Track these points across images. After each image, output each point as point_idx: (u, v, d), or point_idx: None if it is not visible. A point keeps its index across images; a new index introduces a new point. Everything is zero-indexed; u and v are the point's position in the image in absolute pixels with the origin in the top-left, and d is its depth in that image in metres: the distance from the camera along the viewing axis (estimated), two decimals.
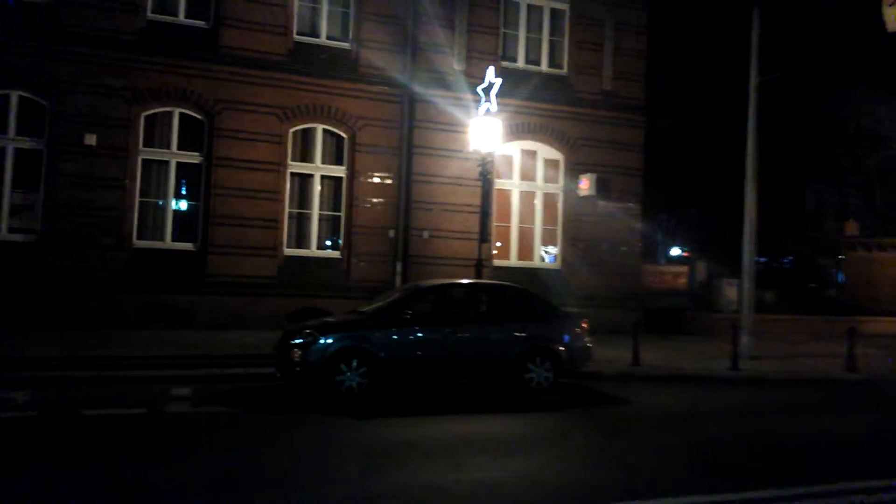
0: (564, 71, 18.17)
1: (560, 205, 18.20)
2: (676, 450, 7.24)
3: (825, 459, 6.97)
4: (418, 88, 16.29)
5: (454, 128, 16.17)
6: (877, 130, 27.02)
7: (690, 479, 5.96)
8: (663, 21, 22.13)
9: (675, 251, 35.77)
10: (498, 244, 17.85)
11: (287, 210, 15.67)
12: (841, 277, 27.73)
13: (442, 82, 16.50)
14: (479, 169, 13.38)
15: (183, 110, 15.03)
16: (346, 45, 16.12)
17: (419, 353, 9.38)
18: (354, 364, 8.94)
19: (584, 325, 10.36)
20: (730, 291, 19.28)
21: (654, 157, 23.18)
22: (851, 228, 27.74)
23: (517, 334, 9.80)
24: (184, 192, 15.36)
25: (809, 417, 9.42)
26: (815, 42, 19.24)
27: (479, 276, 13.16)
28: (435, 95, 16.40)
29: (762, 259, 29.35)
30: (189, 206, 15.30)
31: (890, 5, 12.22)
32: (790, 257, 31.65)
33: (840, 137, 28.99)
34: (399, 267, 15.85)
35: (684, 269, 23.17)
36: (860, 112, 26.75)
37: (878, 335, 19.44)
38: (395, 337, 9.27)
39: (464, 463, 6.36)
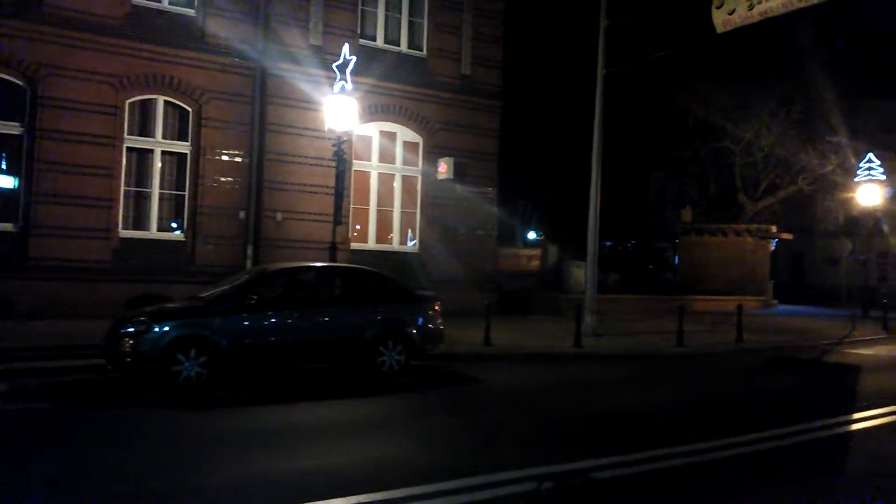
0: (424, 53, 18.13)
1: (419, 188, 18.22)
2: (520, 425, 7.43)
3: (653, 426, 7.42)
4: (271, 62, 15.59)
5: (310, 105, 15.65)
6: (711, 123, 29.35)
7: (530, 452, 6.09)
8: (520, 9, 22.67)
9: (532, 235, 37.16)
10: (357, 227, 17.59)
11: (123, 188, 14.47)
12: (676, 260, 30.01)
13: (297, 57, 15.89)
14: (335, 149, 13.01)
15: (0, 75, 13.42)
16: (190, 11, 15.04)
17: (265, 339, 8.98)
18: (193, 353, 8.40)
19: (437, 308, 10.39)
20: (578, 273, 20.23)
21: (514, 143, 23.84)
22: (687, 215, 30.07)
23: (369, 318, 9.65)
24: (3, 166, 13.75)
25: (640, 389, 10.03)
26: (659, 36, 20.45)
27: (333, 259, 12.83)
28: (290, 70, 15.77)
29: (607, 243, 31.16)
30: (8, 181, 13.71)
31: (718, 7, 13.20)
32: (633, 241, 33.81)
33: (680, 129, 31.21)
34: (250, 250, 15.16)
35: (538, 252, 24.05)
36: (697, 105, 28.89)
37: (706, 312, 21.31)
38: (238, 323, 8.80)
39: (304, 450, 6.13)
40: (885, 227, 31.95)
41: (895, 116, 30.76)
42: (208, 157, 15.10)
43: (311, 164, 16.02)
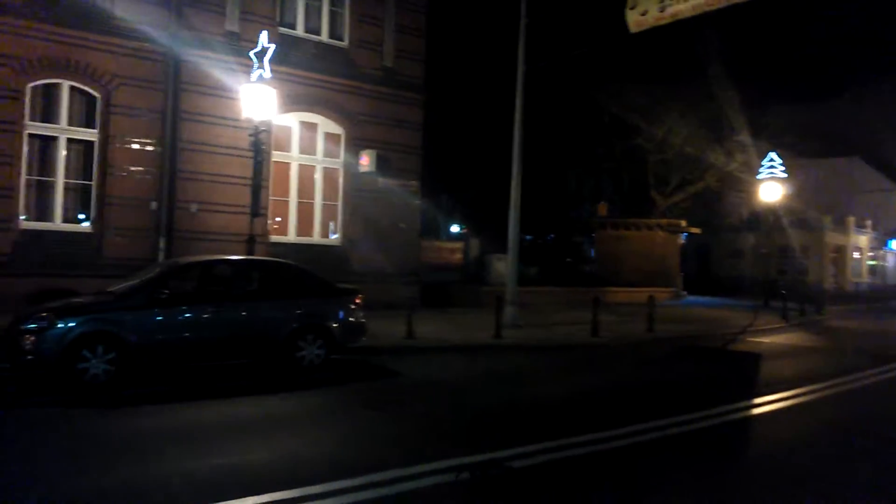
0: (345, 43, 17.90)
1: (341, 180, 18.01)
2: (441, 417, 7.51)
3: (570, 414, 7.65)
4: (185, 48, 15.01)
5: (227, 94, 15.17)
6: (626, 121, 30.40)
7: (450, 444, 6.16)
8: (443, 2, 22.71)
9: (455, 229, 37.43)
10: (277, 219, 17.23)
11: (24, 177, 13.63)
12: (593, 253, 30.96)
13: (213, 43, 15.38)
14: (253, 139, 12.68)
15: None
16: None
17: (178, 335, 8.69)
18: (100, 350, 8.06)
19: (359, 301, 10.33)
20: (499, 266, 20.58)
21: (437, 137, 23.90)
22: (603, 209, 31.07)
23: (288, 312, 9.50)
24: None
25: (558, 379, 10.33)
26: (578, 35, 20.97)
27: (251, 252, 12.53)
28: (205, 57, 15.24)
29: (528, 237, 31.84)
30: None
31: (631, 8, 13.64)
32: (552, 235, 34.64)
33: (597, 127, 32.18)
34: (163, 243, 14.56)
35: (460, 245, 24.27)
36: (613, 104, 29.87)
37: (621, 303, 22.09)
38: (149, 319, 8.48)
39: (218, 448, 5.98)
40: (785, 222, 34.03)
41: (795, 119, 32.69)
42: (118, 145, 14.41)
43: (227, 154, 15.56)
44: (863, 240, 46.21)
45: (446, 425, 7.21)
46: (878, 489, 5.63)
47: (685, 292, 30.38)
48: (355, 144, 17.85)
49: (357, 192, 17.90)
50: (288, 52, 16.10)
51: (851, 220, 44.14)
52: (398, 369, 10.17)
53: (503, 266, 18.20)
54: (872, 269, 48.79)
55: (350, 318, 10.12)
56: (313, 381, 9.09)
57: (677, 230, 30.24)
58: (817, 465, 6.21)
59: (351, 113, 17.79)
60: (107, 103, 14.35)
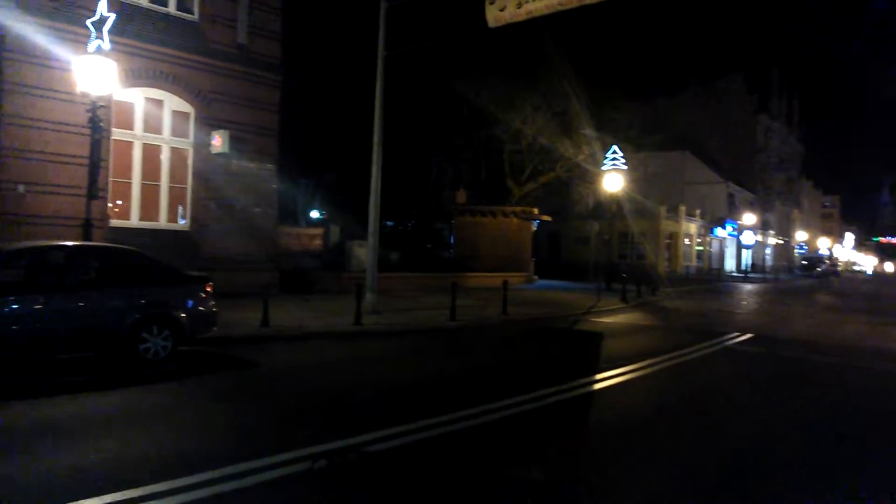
0: (195, 17, 16.94)
1: (190, 161, 17.09)
2: (297, 406, 7.38)
3: (427, 397, 7.82)
4: (11, 13, 13.50)
5: (60, 65, 13.89)
6: (484, 112, 31.26)
7: (306, 432, 6.08)
8: None
9: (315, 214, 36.74)
10: (118, 202, 16.05)
11: None
12: (453, 239, 31.64)
13: (44, 10, 13.99)
14: (90, 115, 11.67)
15: None
16: None
17: (5, 328, 7.86)
18: None
19: (209, 289, 9.88)
20: (360, 252, 20.49)
21: (296, 120, 23.28)
22: (461, 197, 31.77)
23: (130, 301, 8.88)
24: None
25: (416, 362, 10.51)
26: (439, 24, 21.21)
27: (88, 237, 11.57)
28: (35, 24, 13.84)
29: (389, 223, 31.95)
30: None
31: (491, 3, 14.01)
32: (413, 221, 34.99)
33: (456, 116, 32.83)
34: None
35: (320, 231, 23.89)
36: (472, 94, 30.58)
37: (478, 288, 22.81)
38: None
39: (53, 449, 5.50)
40: (626, 211, 36.63)
41: (635, 114, 35.15)
42: None
43: (60, 131, 14.26)
44: (692, 227, 50.78)
45: (304, 414, 7.11)
46: (704, 449, 6.26)
47: (537, 277, 31.89)
48: (206, 124, 16.99)
49: (208, 174, 17.06)
50: (131, 23, 15.01)
51: (683, 209, 48.36)
52: (254, 359, 9.86)
53: (364, 252, 18.14)
54: (700, 254, 53.81)
55: (200, 308, 9.65)
56: (160, 374, 8.59)
57: (530, 217, 31.62)
58: (654, 435, 6.79)
59: (201, 91, 16.89)
60: None
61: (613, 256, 38.49)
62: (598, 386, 8.82)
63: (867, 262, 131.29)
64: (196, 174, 17.03)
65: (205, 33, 16.97)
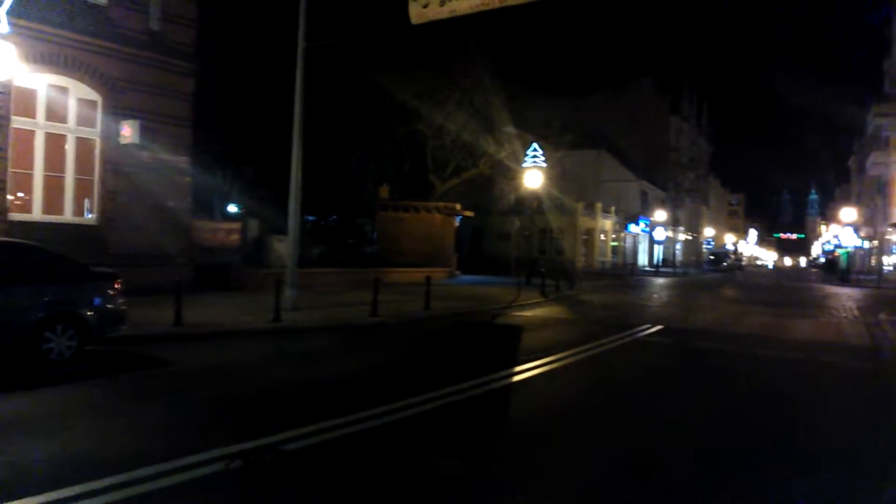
0: (104, 1, 16.11)
1: (98, 153, 16.29)
2: (212, 405, 7.20)
3: (346, 393, 7.77)
4: None
5: None
6: (407, 106, 31.22)
7: (222, 432, 5.94)
8: None
9: (233, 208, 35.73)
10: (18, 195, 15.13)
11: None
12: (375, 235, 31.53)
13: None
14: None
15: None
16: None
17: None
18: None
19: (118, 286, 9.47)
20: (280, 247, 20.09)
21: (213, 110, 22.55)
22: (384, 192, 31.70)
23: (31, 299, 8.42)
24: None
25: (336, 358, 10.43)
26: (362, 17, 21.03)
27: None
28: None
29: (311, 217, 31.50)
30: None
31: (414, 0, 13.99)
32: (335, 216, 34.61)
33: (379, 110, 32.65)
34: None
35: (238, 225, 23.26)
36: (395, 88, 30.48)
37: (400, 283, 22.80)
38: None
39: None
40: (546, 207, 37.48)
41: (553, 113, 36.00)
42: None
43: None
44: (608, 223, 52.50)
45: (219, 413, 6.94)
46: (617, 437, 6.51)
47: (460, 272, 32.20)
48: (115, 113, 16.23)
49: (118, 165, 16.32)
50: (34, 5, 14.14)
51: (599, 205, 49.91)
52: (166, 358, 9.52)
53: (284, 247, 17.79)
54: (615, 250, 55.71)
55: (108, 305, 9.25)
56: (65, 375, 8.19)
57: (453, 213, 31.88)
58: (571, 426, 7.01)
59: (110, 78, 16.11)
60: None
61: (534, 252, 39.33)
62: (517, 378, 9.01)
63: (769, 257, 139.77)
64: (104, 166, 16.25)
65: (114, 18, 16.18)
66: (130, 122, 16.06)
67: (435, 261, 28.88)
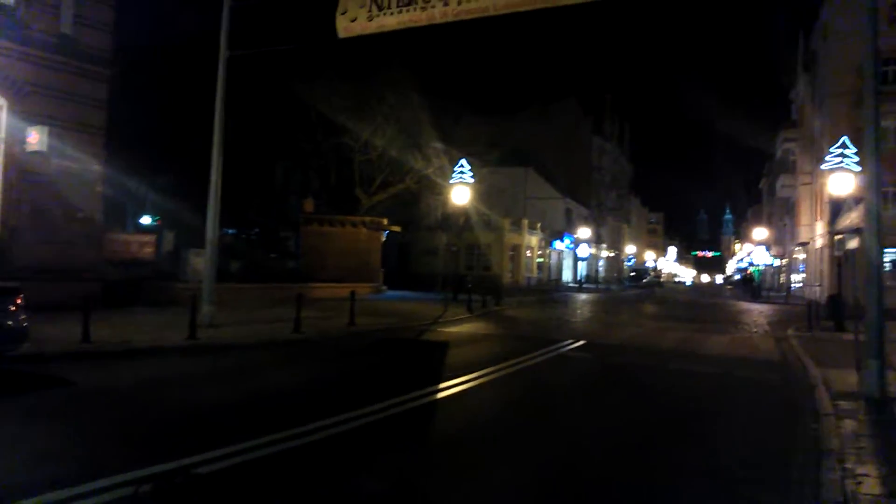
0: (11, 1, 15.25)
1: (2, 159, 15.33)
2: (120, 427, 6.80)
3: (264, 413, 7.51)
4: None
5: None
6: (333, 119, 30.92)
7: (130, 455, 5.60)
8: None
9: (147, 220, 34.33)
10: None
11: None
12: (299, 249, 30.94)
13: None
14: None
15: None
16: None
17: None
18: None
19: (19, 301, 8.86)
20: (197, 261, 19.41)
21: (127, 118, 21.65)
22: (309, 205, 31.21)
23: None
24: None
25: (254, 377, 10.09)
26: (287, 28, 20.67)
27: None
28: None
29: (231, 231, 30.60)
30: None
31: (342, 14, 13.89)
32: (257, 230, 33.78)
33: (304, 122, 32.19)
34: None
35: (152, 238, 22.35)
36: (320, 101, 30.15)
37: (325, 299, 22.43)
38: None
39: None
40: (473, 223, 37.81)
41: (482, 130, 36.45)
42: None
43: None
44: (534, 240, 53.45)
45: (127, 436, 6.56)
46: (539, 453, 6.53)
47: (386, 287, 32.00)
48: (22, 119, 15.34)
49: (23, 174, 15.40)
50: None
51: (525, 222, 50.78)
52: (72, 378, 8.96)
53: (201, 261, 17.17)
54: (540, 266, 56.73)
55: (8, 322, 8.62)
56: None
57: (379, 228, 31.72)
58: (494, 443, 7.00)
59: (16, 81, 15.24)
60: None
61: (461, 267, 39.55)
62: (442, 395, 8.96)
63: (687, 274, 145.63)
64: (8, 174, 15.30)
65: (22, 19, 15.35)
66: (38, 128, 15.20)
67: (361, 276, 28.60)
